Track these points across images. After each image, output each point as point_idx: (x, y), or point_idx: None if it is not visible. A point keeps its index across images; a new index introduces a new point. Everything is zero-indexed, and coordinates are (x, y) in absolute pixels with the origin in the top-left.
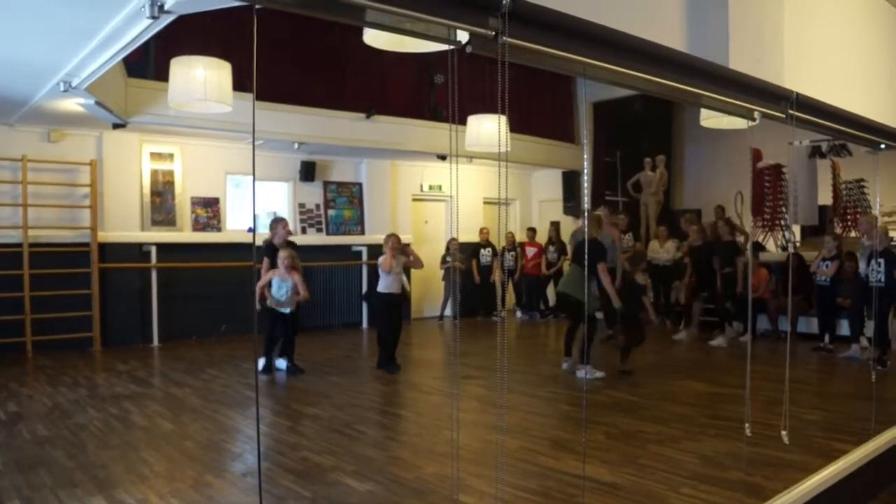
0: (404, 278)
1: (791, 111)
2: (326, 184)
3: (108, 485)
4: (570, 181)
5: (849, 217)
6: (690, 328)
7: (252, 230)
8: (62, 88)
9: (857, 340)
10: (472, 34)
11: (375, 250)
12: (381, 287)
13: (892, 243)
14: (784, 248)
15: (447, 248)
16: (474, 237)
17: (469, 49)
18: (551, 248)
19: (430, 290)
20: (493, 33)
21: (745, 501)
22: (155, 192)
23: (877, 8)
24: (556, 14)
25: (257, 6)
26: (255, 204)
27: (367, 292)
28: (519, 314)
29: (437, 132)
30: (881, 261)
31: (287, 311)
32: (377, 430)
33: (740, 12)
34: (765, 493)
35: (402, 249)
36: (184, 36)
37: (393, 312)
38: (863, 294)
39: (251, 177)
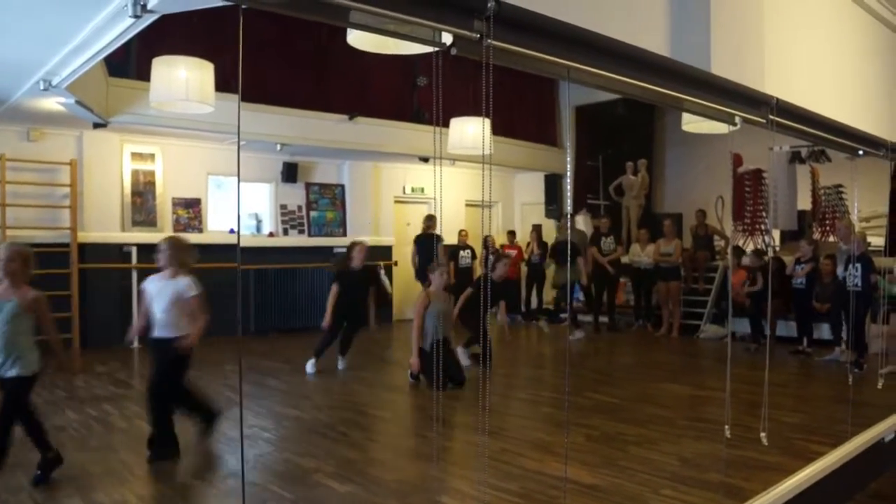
0: (385, 279)
1: (771, 116)
2: (309, 185)
3: (87, 487)
4: (553, 184)
5: (827, 222)
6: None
7: (234, 231)
8: (42, 87)
9: (840, 344)
10: (456, 36)
11: None
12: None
13: (870, 248)
14: (764, 253)
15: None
16: (455, 239)
17: (454, 51)
18: (537, 251)
19: (413, 292)
20: (478, 36)
21: (723, 502)
22: (136, 193)
23: (856, 16)
24: (541, 18)
25: (243, 6)
26: (240, 204)
27: None
28: (498, 318)
29: (420, 134)
30: (858, 265)
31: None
32: (358, 432)
33: (722, 19)
34: (744, 494)
35: (181, 261)
36: (166, 35)
37: (171, 368)
38: (841, 298)
39: (233, 177)
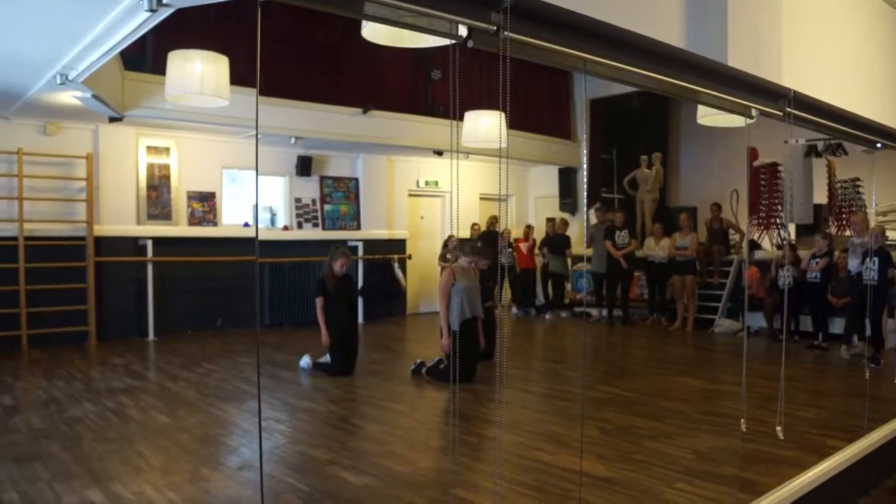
0: (399, 273)
1: (789, 109)
2: (323, 178)
3: (105, 478)
4: (567, 178)
5: (844, 216)
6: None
7: (248, 224)
8: (59, 81)
9: (862, 338)
10: (473, 29)
11: (372, 245)
12: None
13: (888, 242)
14: (780, 247)
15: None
16: (468, 233)
17: (471, 44)
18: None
19: (427, 285)
20: (495, 28)
21: (738, 497)
22: (151, 186)
23: (874, 7)
24: (558, 9)
25: None
26: (258, 197)
27: (363, 287)
28: (514, 310)
29: (434, 128)
30: (875, 259)
31: None
32: (373, 425)
33: (739, 10)
34: (758, 488)
35: None
36: (181, 29)
37: None
38: (858, 293)
39: (247, 171)
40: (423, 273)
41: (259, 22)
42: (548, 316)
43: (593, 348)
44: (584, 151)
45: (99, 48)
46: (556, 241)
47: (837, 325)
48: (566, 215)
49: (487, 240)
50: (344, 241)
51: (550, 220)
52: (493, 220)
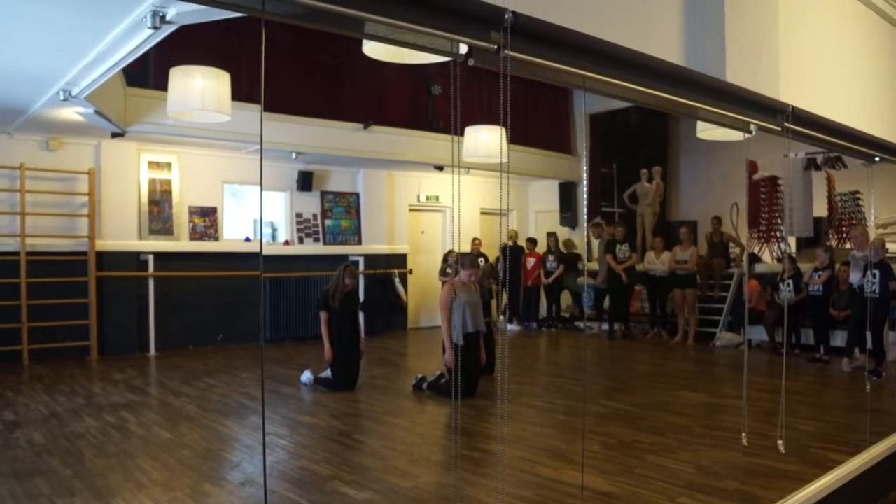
0: (400, 287)
1: (787, 124)
2: (324, 193)
3: (106, 493)
4: (567, 192)
5: (844, 229)
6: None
7: (249, 239)
8: (62, 97)
9: (864, 351)
10: (474, 47)
11: (372, 260)
12: None
13: (888, 255)
14: (780, 260)
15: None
16: (469, 248)
17: (471, 62)
18: (550, 258)
19: (428, 300)
20: (496, 47)
21: None
22: (152, 201)
23: (871, 22)
24: (557, 28)
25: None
26: (262, 212)
27: (364, 302)
28: (511, 325)
29: (434, 143)
30: (876, 272)
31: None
32: (375, 440)
33: (737, 27)
34: (760, 502)
35: None
36: (183, 46)
37: None
38: (859, 306)
39: (248, 186)
40: (423, 287)
41: (263, 40)
42: (586, 329)
43: (595, 362)
44: (585, 166)
45: (102, 65)
46: (571, 257)
47: (839, 339)
48: (567, 229)
49: (506, 254)
50: (345, 256)
51: (552, 235)
52: (516, 235)
